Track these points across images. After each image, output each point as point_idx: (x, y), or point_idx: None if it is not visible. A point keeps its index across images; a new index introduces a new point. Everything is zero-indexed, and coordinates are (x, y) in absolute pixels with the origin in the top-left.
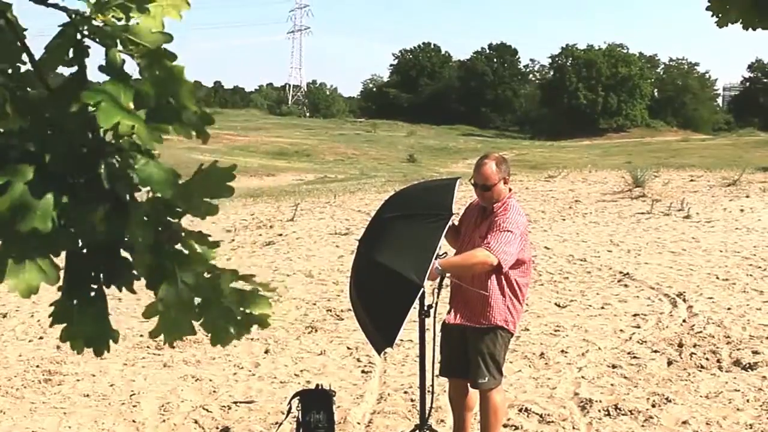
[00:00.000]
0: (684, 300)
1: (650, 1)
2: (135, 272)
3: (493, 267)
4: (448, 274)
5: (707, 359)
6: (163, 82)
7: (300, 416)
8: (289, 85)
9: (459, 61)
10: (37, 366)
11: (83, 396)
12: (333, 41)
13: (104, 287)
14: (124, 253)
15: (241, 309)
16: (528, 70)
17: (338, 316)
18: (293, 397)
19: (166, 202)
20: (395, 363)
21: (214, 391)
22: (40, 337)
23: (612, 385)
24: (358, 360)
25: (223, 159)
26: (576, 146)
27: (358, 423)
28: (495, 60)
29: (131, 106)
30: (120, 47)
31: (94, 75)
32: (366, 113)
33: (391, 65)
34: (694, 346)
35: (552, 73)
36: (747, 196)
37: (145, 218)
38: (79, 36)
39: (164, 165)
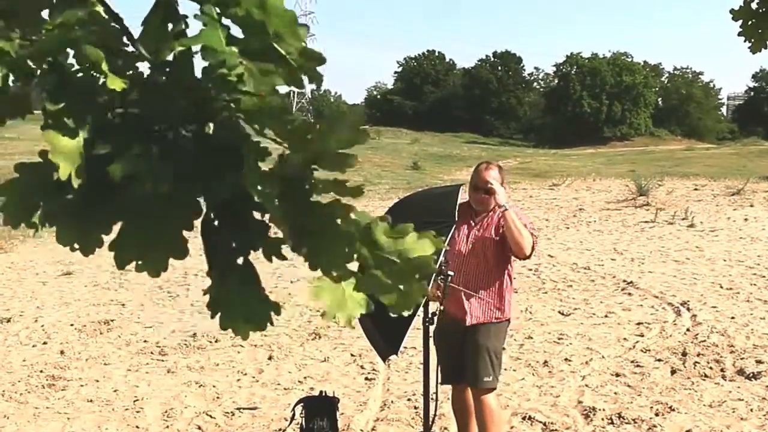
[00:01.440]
0: (688, 309)
1: (655, 10)
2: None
3: (524, 255)
4: (452, 284)
5: (711, 368)
6: (264, 25)
7: (303, 423)
8: (294, 92)
9: (463, 68)
10: (41, 371)
11: (87, 401)
12: (337, 48)
13: (248, 256)
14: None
15: (401, 258)
16: (532, 78)
17: None
18: (297, 404)
19: (293, 153)
20: (399, 370)
21: (218, 397)
22: (44, 342)
23: (615, 393)
24: (362, 367)
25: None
26: (580, 154)
27: (362, 430)
28: (499, 68)
29: (234, 49)
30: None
31: None
32: (370, 120)
33: (395, 72)
34: (698, 355)
35: (556, 81)
36: (751, 206)
37: (269, 171)
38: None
39: (276, 106)
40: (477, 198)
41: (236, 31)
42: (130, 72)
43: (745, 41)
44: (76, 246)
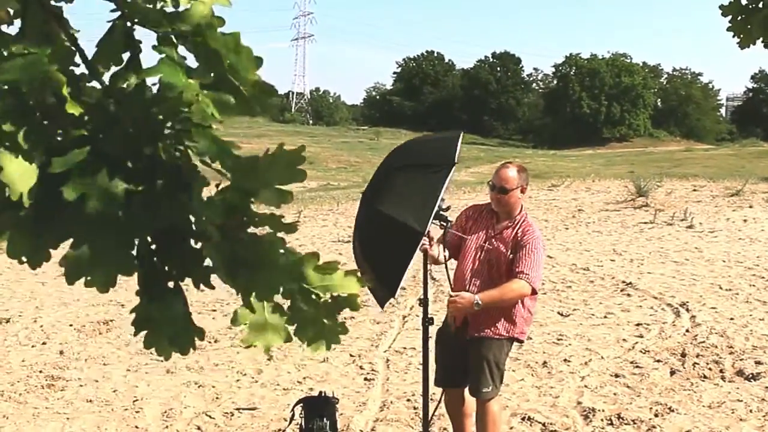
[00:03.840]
0: (687, 310)
1: (654, 11)
2: (210, 264)
3: (528, 294)
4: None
5: (710, 369)
6: (218, 57)
7: (303, 423)
8: (293, 93)
9: (462, 69)
10: (40, 371)
11: (86, 401)
12: (336, 49)
13: (179, 282)
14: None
15: (328, 294)
16: (531, 79)
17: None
18: (296, 404)
19: (234, 186)
20: (398, 371)
21: (217, 398)
22: (43, 343)
23: (615, 394)
24: (361, 367)
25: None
26: (579, 155)
27: (361, 431)
28: (498, 69)
29: (191, 81)
30: (171, 32)
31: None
32: (369, 121)
33: (394, 73)
34: (697, 356)
35: (555, 82)
36: (750, 206)
37: (215, 202)
38: (128, 25)
39: (223, 140)
40: (492, 197)
41: (191, 59)
42: (85, 97)
43: (734, 36)
44: (24, 259)
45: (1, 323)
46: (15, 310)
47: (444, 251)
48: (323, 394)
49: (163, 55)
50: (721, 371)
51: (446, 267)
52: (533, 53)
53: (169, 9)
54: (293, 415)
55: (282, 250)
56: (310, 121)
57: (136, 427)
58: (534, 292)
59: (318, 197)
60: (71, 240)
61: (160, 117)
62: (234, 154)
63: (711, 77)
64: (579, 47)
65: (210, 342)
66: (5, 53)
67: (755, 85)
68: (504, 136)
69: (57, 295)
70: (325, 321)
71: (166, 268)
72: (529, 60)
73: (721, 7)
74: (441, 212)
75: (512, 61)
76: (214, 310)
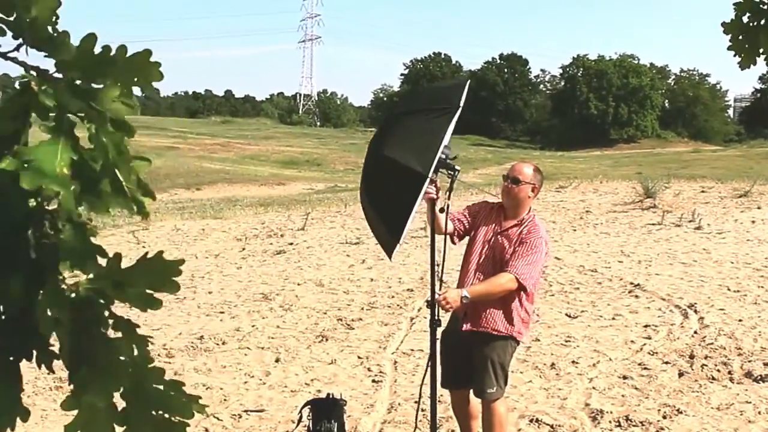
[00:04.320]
0: (695, 311)
1: (661, 12)
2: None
3: (517, 290)
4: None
5: (718, 371)
6: (108, 153)
7: (311, 425)
8: (300, 95)
9: (469, 71)
10: (48, 373)
11: None
12: (344, 51)
13: (18, 363)
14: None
15: (162, 413)
16: (539, 80)
17: (349, 325)
18: (304, 406)
19: (96, 284)
20: (406, 372)
21: (225, 400)
22: (51, 345)
23: (623, 396)
24: (369, 369)
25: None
26: (586, 156)
27: None
28: (506, 70)
29: (66, 172)
30: (73, 110)
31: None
32: (376, 122)
33: (401, 75)
34: (706, 357)
35: (563, 83)
36: (758, 208)
37: (66, 295)
38: (29, 97)
39: (92, 242)
40: (503, 187)
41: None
42: None
43: (735, 56)
44: None
45: None
46: None
47: (448, 219)
48: (331, 396)
49: (52, 135)
50: (729, 373)
51: (441, 244)
52: (540, 54)
53: (83, 85)
54: (301, 417)
55: (130, 358)
56: (318, 123)
57: None
58: (522, 287)
59: (325, 199)
60: None
61: (29, 205)
62: (95, 265)
63: (719, 78)
64: (586, 48)
65: (218, 344)
66: None
67: (763, 86)
68: (512, 138)
69: None
70: None
71: (8, 344)
72: (537, 61)
73: (723, 24)
74: (448, 161)
75: (519, 62)
76: (222, 312)
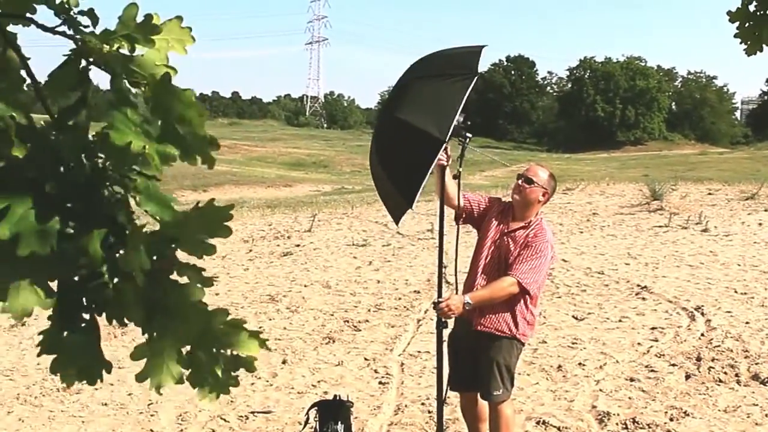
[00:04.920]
0: (702, 314)
1: (669, 14)
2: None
3: (520, 293)
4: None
5: (725, 373)
6: (169, 108)
7: (317, 427)
8: (307, 96)
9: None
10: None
11: (101, 405)
12: (351, 52)
13: (96, 317)
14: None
15: (229, 351)
16: (546, 82)
17: (356, 327)
18: (311, 408)
19: (163, 232)
20: (413, 374)
21: (232, 401)
22: None
23: (630, 398)
24: (376, 371)
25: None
26: (593, 159)
27: None
28: (513, 72)
29: (139, 130)
30: (125, 76)
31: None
32: None
33: None
34: (713, 359)
35: (570, 85)
36: (765, 210)
37: (142, 247)
38: (83, 63)
39: (164, 194)
40: (515, 185)
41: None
42: (33, 134)
43: (741, 43)
44: None
45: (16, 326)
46: None
47: (461, 195)
48: (338, 398)
49: (116, 102)
50: (736, 375)
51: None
52: (547, 57)
53: (125, 52)
54: (308, 419)
55: (201, 301)
56: (325, 125)
57: (151, 430)
58: (524, 290)
59: (332, 201)
60: None
61: (107, 164)
62: (173, 209)
63: (726, 80)
64: (593, 50)
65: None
66: None
67: None
68: (518, 140)
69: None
70: (219, 374)
71: (84, 301)
72: (544, 63)
73: (729, 13)
74: (460, 127)
75: (526, 64)
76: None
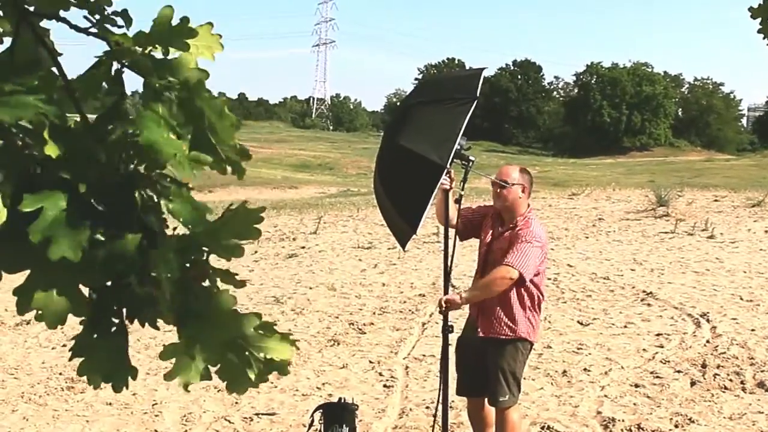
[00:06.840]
0: (707, 320)
1: (676, 20)
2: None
3: (514, 280)
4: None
5: (731, 380)
6: (201, 115)
7: (322, 430)
8: (313, 98)
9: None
10: (60, 373)
11: (106, 404)
12: (357, 55)
13: (126, 322)
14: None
15: (262, 354)
16: (552, 87)
17: (360, 329)
18: (316, 410)
19: (194, 238)
20: (417, 378)
21: (236, 403)
22: (63, 345)
23: (635, 404)
24: (380, 374)
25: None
26: (599, 164)
27: None
28: (519, 77)
29: (172, 136)
30: (158, 79)
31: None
32: None
33: (415, 80)
34: (718, 366)
35: (576, 90)
36: None
37: (172, 254)
38: (116, 66)
39: (197, 201)
40: (492, 193)
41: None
42: (66, 134)
43: (764, 38)
44: None
45: (21, 325)
46: (35, 312)
47: (458, 210)
48: (342, 401)
49: (148, 105)
50: (741, 382)
51: (453, 241)
52: (554, 61)
53: (158, 55)
54: (312, 421)
55: (233, 307)
56: (331, 127)
57: (155, 430)
58: (521, 278)
59: (338, 203)
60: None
61: (141, 169)
62: (206, 219)
63: (732, 87)
64: (600, 56)
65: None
66: None
67: None
68: (524, 144)
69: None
70: (252, 378)
71: (116, 307)
72: (550, 68)
73: (751, 9)
74: (462, 152)
75: (533, 69)
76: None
